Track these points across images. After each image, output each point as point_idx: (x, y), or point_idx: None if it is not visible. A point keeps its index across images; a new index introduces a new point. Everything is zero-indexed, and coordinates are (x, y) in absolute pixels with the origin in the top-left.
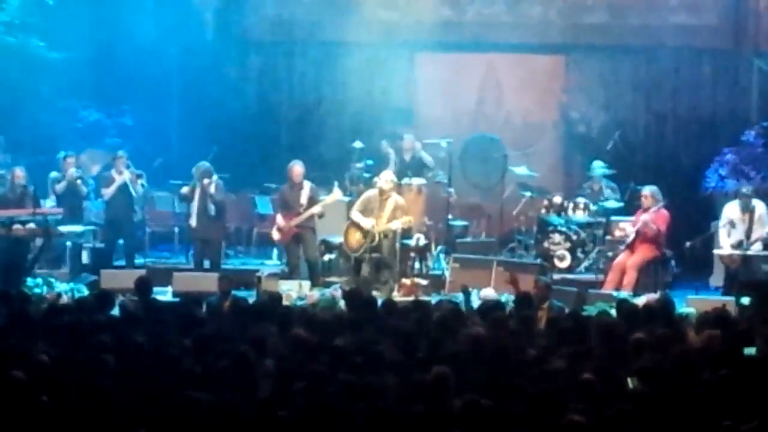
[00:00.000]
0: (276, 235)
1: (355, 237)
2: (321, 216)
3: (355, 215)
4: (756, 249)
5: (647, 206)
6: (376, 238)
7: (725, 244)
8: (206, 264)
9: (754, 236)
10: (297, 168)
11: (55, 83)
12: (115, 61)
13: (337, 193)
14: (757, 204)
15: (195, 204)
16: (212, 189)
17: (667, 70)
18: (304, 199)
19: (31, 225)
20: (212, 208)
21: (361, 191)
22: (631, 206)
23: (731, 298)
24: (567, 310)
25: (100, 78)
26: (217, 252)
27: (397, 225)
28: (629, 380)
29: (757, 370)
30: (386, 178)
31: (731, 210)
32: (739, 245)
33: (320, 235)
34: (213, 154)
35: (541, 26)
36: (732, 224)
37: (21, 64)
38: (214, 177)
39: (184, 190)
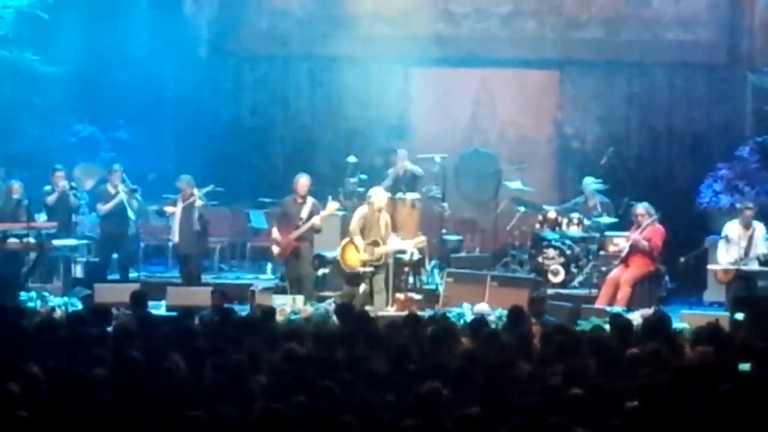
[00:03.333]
0: (275, 250)
1: (356, 257)
2: (318, 230)
3: (358, 240)
4: (752, 266)
5: (640, 223)
6: (382, 260)
7: (722, 259)
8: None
9: (751, 254)
10: (303, 180)
11: (49, 97)
12: (110, 75)
13: (333, 205)
14: (757, 225)
15: (177, 219)
16: (199, 205)
17: (661, 85)
18: (304, 214)
19: (25, 239)
20: (197, 224)
21: (356, 206)
22: (625, 221)
23: (725, 313)
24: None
25: (94, 92)
26: (197, 267)
27: (410, 245)
28: None
29: (752, 386)
30: (381, 195)
31: (731, 227)
32: (736, 262)
33: (315, 249)
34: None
35: (536, 41)
36: (727, 240)
37: (15, 78)
38: (197, 193)
39: (168, 208)
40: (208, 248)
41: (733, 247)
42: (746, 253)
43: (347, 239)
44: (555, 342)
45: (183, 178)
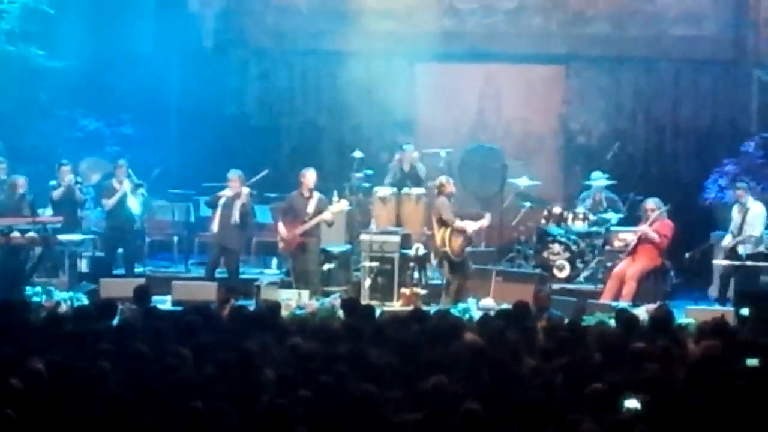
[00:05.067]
0: (280, 244)
1: (458, 242)
2: (331, 224)
3: (458, 223)
4: (744, 248)
5: (649, 217)
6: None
7: (725, 241)
8: (218, 273)
9: (744, 233)
10: (310, 175)
11: (54, 92)
12: (115, 70)
13: (343, 203)
14: (753, 205)
15: (218, 210)
16: (245, 200)
17: (667, 81)
18: (311, 209)
19: (30, 233)
20: (237, 216)
21: (361, 201)
22: (631, 217)
23: (730, 309)
24: (566, 320)
25: (99, 87)
26: (235, 261)
27: (477, 225)
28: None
29: (760, 381)
30: (448, 181)
31: (734, 210)
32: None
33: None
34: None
35: (542, 37)
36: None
37: (21, 72)
38: (245, 189)
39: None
40: (243, 243)
41: (732, 227)
42: (739, 232)
43: (447, 228)
44: (559, 337)
45: (234, 171)
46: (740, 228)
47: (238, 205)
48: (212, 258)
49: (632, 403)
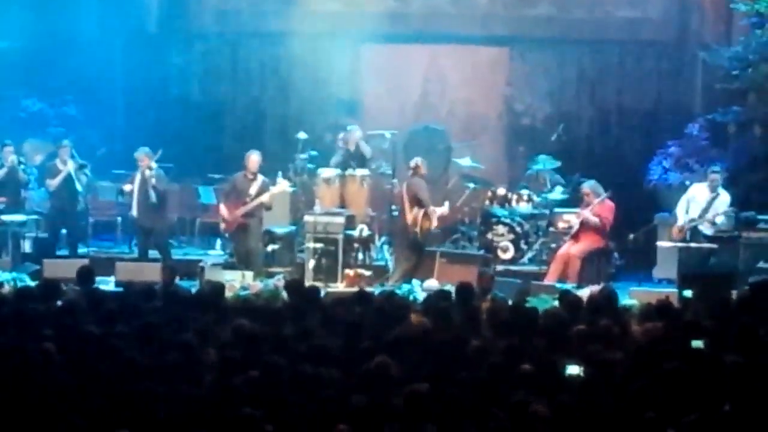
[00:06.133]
0: (222, 225)
1: (427, 224)
2: (269, 208)
3: (432, 209)
4: (705, 226)
5: (589, 202)
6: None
7: (681, 216)
8: (152, 254)
9: (708, 216)
10: (254, 157)
11: None
12: (59, 50)
13: (283, 184)
14: (722, 192)
15: (135, 193)
16: (153, 181)
17: (612, 63)
18: (254, 190)
19: None
20: (153, 196)
21: (305, 182)
22: (576, 198)
23: (674, 290)
24: (510, 302)
25: (43, 68)
26: (163, 240)
27: (446, 209)
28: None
29: (704, 363)
30: (423, 162)
31: (698, 189)
32: (693, 220)
33: (265, 225)
34: (159, 155)
35: (486, 18)
36: (691, 200)
37: None
38: (154, 165)
39: (126, 187)
40: (167, 220)
41: (694, 207)
42: (702, 215)
43: (423, 209)
44: (502, 318)
45: (141, 149)
46: (705, 210)
47: (150, 185)
48: (140, 241)
49: (574, 370)
